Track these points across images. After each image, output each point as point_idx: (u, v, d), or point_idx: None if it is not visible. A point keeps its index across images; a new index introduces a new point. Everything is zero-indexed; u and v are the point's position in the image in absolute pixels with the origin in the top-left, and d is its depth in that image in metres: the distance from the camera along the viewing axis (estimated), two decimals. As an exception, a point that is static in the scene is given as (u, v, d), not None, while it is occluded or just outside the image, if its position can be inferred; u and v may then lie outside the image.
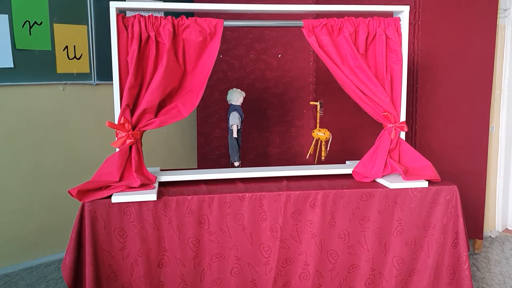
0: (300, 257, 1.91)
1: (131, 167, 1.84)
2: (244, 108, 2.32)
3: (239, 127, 2.25)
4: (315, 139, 2.35)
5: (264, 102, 3.26)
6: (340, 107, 2.98)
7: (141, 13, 1.88)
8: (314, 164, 2.35)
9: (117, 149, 1.85)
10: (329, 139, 2.32)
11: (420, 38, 2.64)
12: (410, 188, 1.92)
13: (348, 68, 2.00)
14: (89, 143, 3.09)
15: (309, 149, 2.40)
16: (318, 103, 2.34)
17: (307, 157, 2.43)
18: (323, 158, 2.35)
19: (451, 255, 1.94)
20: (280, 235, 1.87)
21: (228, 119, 2.28)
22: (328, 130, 2.33)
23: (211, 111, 3.27)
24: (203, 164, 3.34)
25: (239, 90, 2.30)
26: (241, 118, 2.27)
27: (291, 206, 1.87)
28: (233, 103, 2.29)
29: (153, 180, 1.88)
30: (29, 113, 2.85)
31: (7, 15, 2.66)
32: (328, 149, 2.34)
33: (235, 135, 2.24)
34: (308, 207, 1.89)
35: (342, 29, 1.99)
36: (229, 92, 2.31)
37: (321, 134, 2.32)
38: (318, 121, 2.34)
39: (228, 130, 2.28)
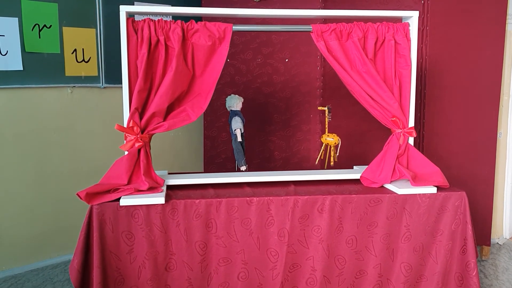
0: (307, 262, 1.91)
1: (140, 170, 1.85)
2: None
3: (242, 131, 2.25)
4: (324, 144, 2.35)
5: (271, 107, 3.26)
6: (347, 112, 2.98)
7: (150, 17, 1.88)
8: (323, 169, 2.35)
9: (126, 152, 1.85)
10: (338, 144, 2.32)
11: (428, 43, 2.63)
12: (419, 194, 1.91)
13: (357, 73, 2.00)
14: (97, 146, 3.10)
15: (318, 154, 2.40)
16: (326, 108, 2.33)
17: (316, 162, 2.43)
18: (332, 163, 2.34)
19: (459, 262, 1.92)
20: (287, 240, 1.87)
21: (230, 125, 2.28)
22: (337, 135, 2.32)
23: (218, 115, 3.28)
24: (209, 167, 3.34)
25: (237, 95, 2.31)
26: (243, 122, 2.27)
27: (298, 211, 1.87)
28: (233, 109, 2.30)
29: (161, 184, 1.88)
30: (37, 115, 2.87)
31: (17, 18, 2.68)
32: (337, 154, 2.34)
33: (239, 139, 2.24)
34: (315, 212, 1.88)
35: (351, 34, 1.99)
36: (227, 98, 2.32)
37: (330, 139, 2.31)
38: (326, 126, 2.34)
39: (231, 135, 2.28)
